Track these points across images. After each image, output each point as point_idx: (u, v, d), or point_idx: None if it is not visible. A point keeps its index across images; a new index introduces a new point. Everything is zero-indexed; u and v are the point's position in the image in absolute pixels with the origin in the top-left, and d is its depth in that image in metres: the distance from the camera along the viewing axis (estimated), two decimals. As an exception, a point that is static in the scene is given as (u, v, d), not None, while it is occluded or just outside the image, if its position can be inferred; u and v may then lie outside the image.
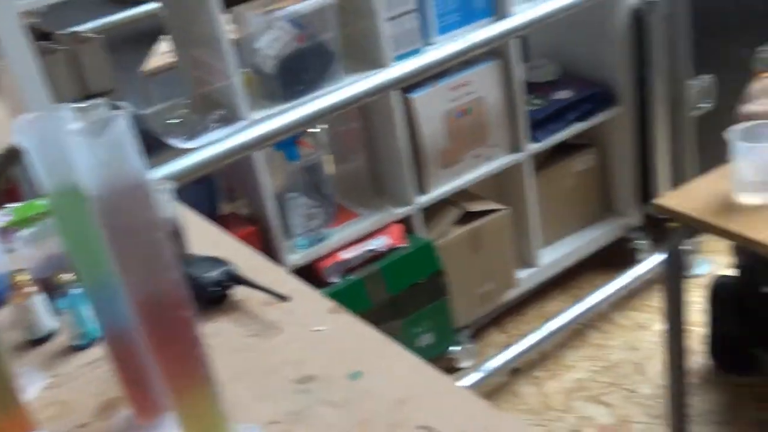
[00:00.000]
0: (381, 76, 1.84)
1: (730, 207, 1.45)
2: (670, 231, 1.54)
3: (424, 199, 2.15)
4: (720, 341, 2.19)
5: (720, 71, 2.28)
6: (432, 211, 2.21)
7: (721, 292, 2.16)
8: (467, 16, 2.02)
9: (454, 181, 2.19)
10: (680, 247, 1.53)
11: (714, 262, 2.56)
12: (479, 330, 2.49)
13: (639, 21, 2.30)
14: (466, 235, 2.23)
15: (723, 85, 2.26)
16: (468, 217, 2.24)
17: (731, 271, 2.14)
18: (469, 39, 1.85)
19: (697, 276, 2.54)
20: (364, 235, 2.07)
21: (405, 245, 2.09)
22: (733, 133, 1.42)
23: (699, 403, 2.09)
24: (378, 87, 1.82)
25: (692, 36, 2.28)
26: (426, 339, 2.18)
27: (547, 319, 2.37)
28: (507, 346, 2.30)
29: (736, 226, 1.40)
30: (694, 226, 1.49)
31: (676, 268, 1.55)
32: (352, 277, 2.03)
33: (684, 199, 1.51)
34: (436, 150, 2.12)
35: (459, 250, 2.22)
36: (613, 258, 2.61)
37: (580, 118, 2.34)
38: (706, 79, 2.36)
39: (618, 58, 2.35)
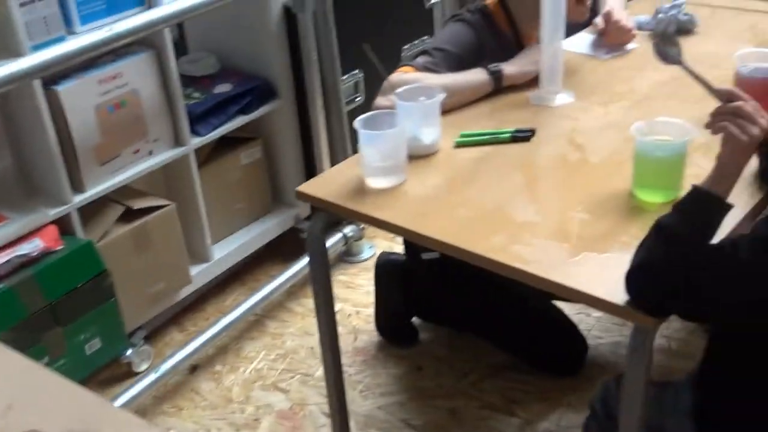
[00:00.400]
0: (16, 64, 1.70)
1: (361, 191, 1.55)
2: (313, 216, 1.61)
3: (80, 198, 2.04)
4: (385, 317, 2.34)
5: (371, 68, 2.45)
6: (91, 211, 2.11)
7: (385, 269, 2.31)
8: (114, 6, 1.95)
9: (113, 178, 2.10)
10: (320, 230, 1.60)
11: (378, 246, 2.75)
12: (155, 331, 2.43)
13: (292, 18, 2.38)
14: (131, 233, 2.15)
15: (374, 81, 2.43)
16: (133, 214, 2.17)
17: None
18: (114, 28, 1.79)
19: (364, 260, 2.72)
20: (14, 240, 1.92)
21: (61, 248, 1.97)
22: (358, 122, 1.52)
23: (368, 378, 2.22)
24: (13, 76, 1.69)
25: (345, 34, 2.42)
26: (94, 345, 2.08)
27: (225, 313, 2.38)
28: (185, 344, 2.27)
29: (365, 208, 1.50)
30: (332, 211, 1.57)
31: (317, 251, 1.62)
32: (2, 285, 1.87)
33: (322, 186, 1.59)
34: (89, 146, 2.02)
35: (124, 249, 2.15)
36: (286, 247, 2.69)
37: (243, 111, 2.36)
38: (356, 75, 2.53)
39: (275, 53, 2.41)
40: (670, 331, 2.25)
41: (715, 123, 1.23)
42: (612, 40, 2.05)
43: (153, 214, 2.19)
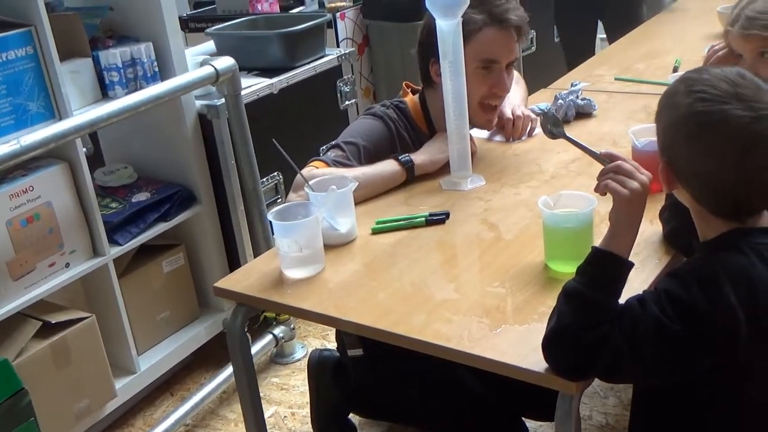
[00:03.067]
0: None
1: (281, 283, 1.55)
2: (234, 311, 1.60)
3: (-7, 316, 1.98)
4: (321, 416, 2.29)
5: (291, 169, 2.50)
6: (6, 328, 2.04)
7: (318, 366, 2.27)
8: (23, 120, 1.95)
9: (28, 293, 2.05)
10: (240, 324, 1.58)
11: (310, 345, 2.72)
12: (81, 451, 2.33)
13: (207, 123, 2.42)
14: (50, 348, 2.08)
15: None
16: (51, 329, 2.10)
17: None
18: (22, 141, 1.78)
19: (296, 360, 2.68)
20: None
21: (-26, 368, 1.89)
22: (272, 214, 1.53)
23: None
24: None
25: (261, 137, 2.47)
26: (13, 470, 1.97)
27: (153, 427, 2.30)
28: (113, 462, 2.18)
29: (285, 299, 1.50)
30: (252, 305, 1.56)
31: (239, 347, 1.60)
32: None
33: (241, 280, 1.59)
34: (1, 262, 1.97)
35: (43, 366, 2.07)
36: (217, 353, 2.63)
37: (162, 219, 2.36)
38: (276, 177, 2.57)
39: (192, 160, 2.43)
40: (608, 407, 2.26)
41: (600, 183, 1.30)
42: (513, 134, 2.13)
43: (72, 328, 2.13)
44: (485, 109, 1.97)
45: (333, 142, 1.92)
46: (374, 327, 1.40)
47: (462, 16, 1.78)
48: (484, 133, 2.16)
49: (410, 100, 2.06)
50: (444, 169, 1.93)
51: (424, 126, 2.04)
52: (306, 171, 1.79)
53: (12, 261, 2.00)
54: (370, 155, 1.89)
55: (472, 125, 1.96)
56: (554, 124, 1.53)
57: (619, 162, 1.29)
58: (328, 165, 1.81)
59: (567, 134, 1.51)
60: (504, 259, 1.57)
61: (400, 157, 1.88)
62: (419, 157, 1.90)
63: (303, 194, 1.66)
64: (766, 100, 1.15)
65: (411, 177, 1.89)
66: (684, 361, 1.14)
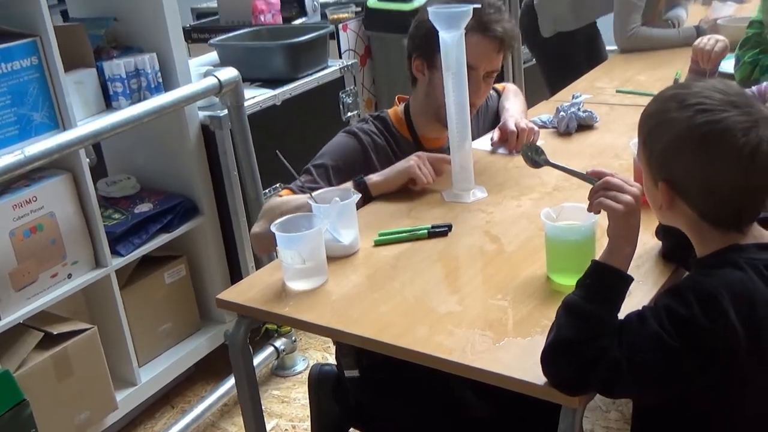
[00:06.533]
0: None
1: (283, 294, 1.55)
2: (237, 322, 1.60)
3: (-5, 327, 1.98)
4: (323, 429, 2.28)
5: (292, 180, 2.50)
6: (7, 338, 2.04)
7: (319, 380, 2.26)
8: (27, 130, 1.96)
9: (30, 304, 2.05)
10: (243, 336, 1.58)
11: (311, 358, 2.72)
12: (81, 462, 2.32)
13: (210, 135, 2.43)
14: (51, 360, 2.08)
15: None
16: (52, 340, 2.10)
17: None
18: (26, 151, 1.78)
19: (297, 373, 2.67)
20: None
21: (-25, 379, 1.88)
22: (275, 226, 1.54)
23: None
24: None
25: (264, 148, 2.47)
26: (14, 482, 1.96)
27: (154, 438, 2.30)
28: (113, 473, 2.17)
29: (288, 311, 1.50)
30: (254, 317, 1.56)
31: (241, 359, 1.60)
32: None
33: (244, 292, 1.58)
34: (4, 272, 1.98)
35: (44, 377, 2.07)
36: (218, 365, 2.63)
37: (164, 230, 2.36)
38: (278, 189, 2.56)
39: (195, 171, 2.44)
40: (609, 422, 2.26)
41: (592, 202, 1.31)
42: (516, 147, 2.12)
43: (73, 339, 2.13)
44: None
45: (306, 166, 1.92)
46: (377, 339, 1.39)
47: None
48: (487, 146, 2.16)
49: (393, 110, 2.08)
50: (446, 181, 1.93)
51: (407, 132, 2.05)
52: (270, 200, 1.83)
53: (14, 271, 2.00)
54: (340, 173, 1.90)
55: (443, 124, 1.94)
56: (536, 153, 1.57)
57: (607, 178, 1.30)
58: (295, 192, 1.82)
59: (549, 160, 1.54)
60: (506, 271, 1.56)
61: (355, 178, 1.88)
62: (373, 178, 1.90)
63: (265, 225, 1.69)
64: (755, 105, 1.17)
65: (368, 196, 1.88)
66: (683, 377, 1.14)
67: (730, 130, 1.14)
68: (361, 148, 1.96)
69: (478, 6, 1.84)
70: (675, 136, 1.19)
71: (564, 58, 3.49)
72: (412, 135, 2.05)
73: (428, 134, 2.05)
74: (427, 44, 1.91)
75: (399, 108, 2.08)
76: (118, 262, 2.25)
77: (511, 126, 2.12)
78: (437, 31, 1.78)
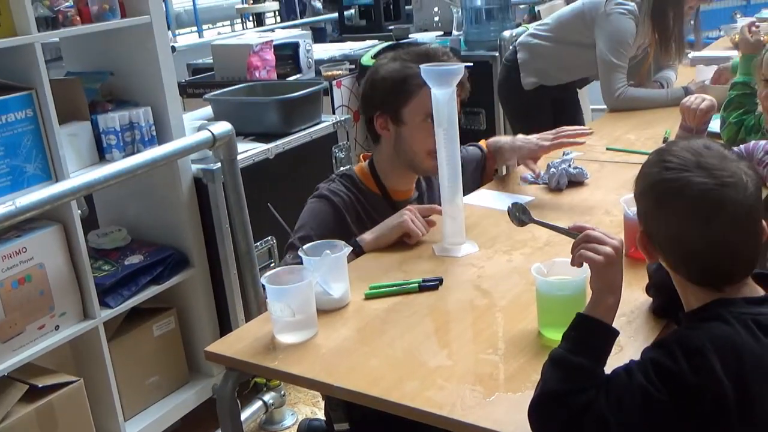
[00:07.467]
0: None
1: (273, 347, 1.54)
2: (225, 376, 1.58)
3: (-21, 379, 1.95)
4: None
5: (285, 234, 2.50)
6: (-9, 392, 2.01)
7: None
8: (20, 182, 1.96)
9: (16, 356, 2.03)
10: (231, 389, 1.56)
11: (300, 413, 2.68)
12: None
13: (202, 187, 2.44)
14: (35, 413, 2.05)
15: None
16: (37, 393, 2.07)
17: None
18: (17, 202, 1.78)
19: (286, 428, 2.64)
20: None
21: (-43, 433, 1.85)
22: (266, 278, 1.53)
23: None
24: None
25: (256, 201, 2.48)
26: None
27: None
28: None
29: (277, 364, 1.48)
30: (243, 370, 1.54)
31: (229, 413, 1.57)
32: None
33: (233, 344, 1.57)
34: (-10, 324, 1.96)
35: (29, 430, 2.03)
36: (206, 420, 2.59)
37: (154, 282, 2.35)
38: (269, 242, 2.57)
39: (186, 223, 2.44)
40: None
41: (574, 255, 1.34)
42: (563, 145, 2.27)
43: (59, 392, 2.10)
44: (433, 157, 1.98)
45: (289, 240, 1.92)
46: (366, 393, 1.38)
47: (406, 71, 1.91)
48: (482, 201, 2.18)
49: (358, 167, 2.12)
50: (437, 233, 1.94)
51: (374, 187, 2.07)
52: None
53: (1, 323, 1.98)
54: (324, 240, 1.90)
55: (418, 172, 2.06)
56: (522, 212, 1.62)
57: (587, 231, 1.33)
58: None
59: (534, 218, 1.59)
60: (497, 325, 1.56)
61: (349, 242, 1.89)
62: (367, 238, 1.91)
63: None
64: (730, 168, 1.19)
65: (361, 253, 1.90)
66: (670, 430, 1.13)
67: (686, 189, 1.18)
68: (334, 210, 1.98)
69: (470, 64, 1.87)
70: (644, 188, 1.27)
71: (533, 110, 3.47)
72: (381, 189, 2.07)
73: (397, 187, 2.08)
74: (390, 100, 1.97)
75: (364, 164, 2.12)
76: (106, 314, 2.23)
77: (537, 146, 2.24)
78: (402, 85, 1.87)
